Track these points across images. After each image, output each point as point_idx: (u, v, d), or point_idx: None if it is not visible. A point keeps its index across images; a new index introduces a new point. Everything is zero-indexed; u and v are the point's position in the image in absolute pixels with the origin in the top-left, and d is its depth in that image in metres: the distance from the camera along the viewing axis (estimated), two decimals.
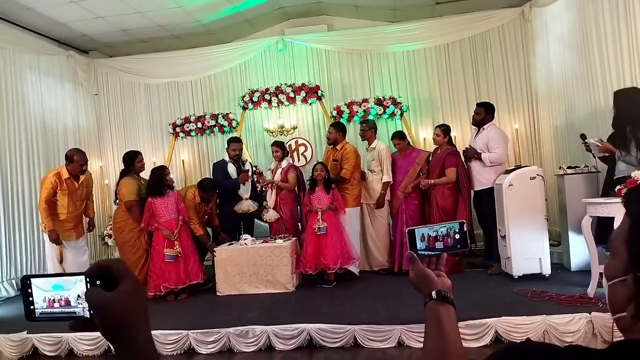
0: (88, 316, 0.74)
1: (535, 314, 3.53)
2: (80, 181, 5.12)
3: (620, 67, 4.52)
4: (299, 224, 5.75)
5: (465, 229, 1.11)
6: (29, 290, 0.76)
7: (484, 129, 5.19)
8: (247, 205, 5.63)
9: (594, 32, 4.95)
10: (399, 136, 5.60)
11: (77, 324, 0.75)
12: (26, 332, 4.04)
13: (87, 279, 0.74)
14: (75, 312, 0.75)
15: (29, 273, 6.16)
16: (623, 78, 4.45)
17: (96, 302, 0.69)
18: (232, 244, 5.25)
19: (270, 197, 5.60)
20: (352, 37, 7.40)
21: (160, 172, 5.16)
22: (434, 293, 0.99)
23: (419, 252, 1.07)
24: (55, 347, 3.96)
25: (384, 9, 7.20)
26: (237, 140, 5.99)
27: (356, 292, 4.72)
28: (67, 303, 0.75)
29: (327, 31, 7.51)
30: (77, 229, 5.15)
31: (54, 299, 0.76)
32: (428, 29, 7.22)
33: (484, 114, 5.20)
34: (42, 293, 0.76)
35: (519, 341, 0.77)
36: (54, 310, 0.76)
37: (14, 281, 5.92)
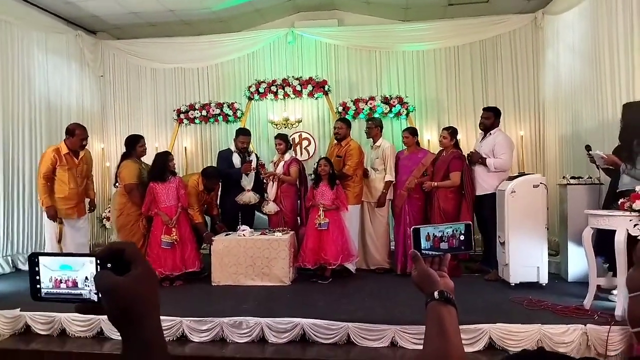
0: (95, 299, 0.72)
1: (531, 322, 3.52)
2: (80, 157, 5.09)
3: (631, 80, 4.49)
4: (299, 218, 5.74)
5: (471, 231, 1.10)
6: (36, 269, 0.74)
7: (490, 134, 5.17)
8: (248, 196, 5.62)
9: (606, 43, 4.91)
10: (409, 131, 5.57)
11: (83, 306, 0.73)
12: (19, 309, 4.03)
13: (98, 261, 0.71)
14: (81, 295, 0.73)
15: (24, 250, 6.16)
16: (633, 91, 4.42)
17: (107, 286, 0.67)
18: (230, 234, 5.23)
19: (271, 190, 5.58)
20: (362, 33, 7.37)
21: (164, 158, 5.14)
22: (436, 293, 0.98)
23: (423, 251, 1.06)
24: (47, 327, 3.95)
25: (395, 7, 7.15)
26: (245, 133, 5.95)
27: (352, 290, 4.71)
28: (74, 284, 0.73)
29: (337, 26, 7.47)
30: (78, 207, 5.09)
31: (60, 279, 0.73)
32: (439, 29, 7.19)
33: (493, 118, 5.19)
34: (49, 272, 0.73)
35: (527, 350, 0.75)
36: (60, 290, 0.73)
37: (9, 258, 5.92)
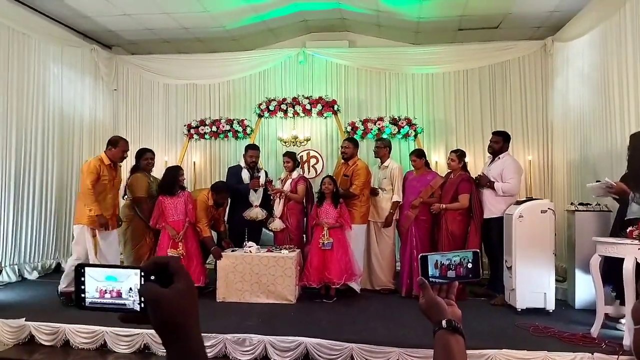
0: (138, 309, 0.75)
1: (537, 349, 3.47)
2: (118, 170, 5.06)
3: (639, 107, 4.51)
4: (304, 235, 5.75)
5: (479, 259, 1.10)
6: (82, 279, 0.77)
7: (499, 157, 5.17)
8: (256, 212, 5.63)
9: (615, 72, 4.95)
10: (416, 153, 5.59)
11: (126, 316, 0.76)
12: (24, 319, 4.04)
13: (142, 274, 0.75)
14: (125, 305, 0.76)
15: (31, 259, 6.19)
16: None
17: (153, 297, 0.70)
18: (236, 250, 5.24)
19: (278, 207, 5.60)
20: (372, 55, 7.47)
21: (175, 172, 5.19)
22: (444, 322, 0.98)
23: (431, 279, 1.06)
24: (51, 337, 3.94)
25: (406, 30, 7.26)
26: (254, 148, 6.03)
27: (357, 310, 4.68)
28: (119, 295, 0.76)
29: (348, 47, 7.58)
30: (112, 220, 4.97)
31: (105, 290, 0.77)
32: (449, 53, 7.28)
33: (502, 142, 5.20)
34: (95, 282, 0.77)
35: None
36: (104, 300, 0.77)
37: (16, 267, 5.95)
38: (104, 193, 4.81)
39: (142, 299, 0.75)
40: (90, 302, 0.77)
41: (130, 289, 0.76)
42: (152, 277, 0.74)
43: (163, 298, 0.70)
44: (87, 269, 0.77)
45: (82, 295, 0.77)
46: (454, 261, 1.08)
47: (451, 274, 1.08)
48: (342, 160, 5.87)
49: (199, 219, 5.17)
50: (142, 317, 0.74)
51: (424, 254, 1.07)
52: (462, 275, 1.09)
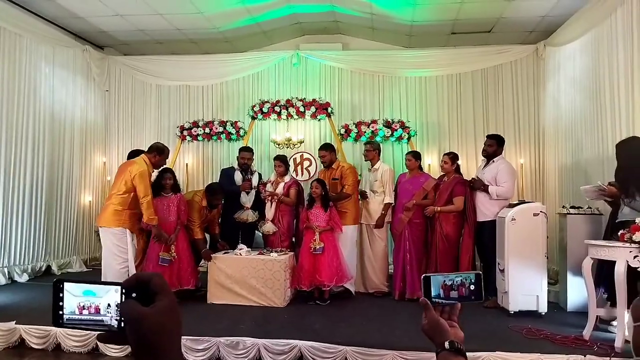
0: (116, 327, 0.72)
1: (530, 351, 3.49)
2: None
3: (631, 113, 4.55)
4: (294, 238, 5.74)
5: (481, 280, 1.09)
6: (60, 295, 0.74)
7: (493, 161, 5.19)
8: (247, 214, 5.62)
9: (606, 77, 5.00)
10: (413, 154, 5.63)
11: (105, 335, 0.73)
12: (14, 322, 3.99)
13: (123, 290, 0.72)
14: (103, 321, 0.73)
15: (22, 262, 6.12)
16: (633, 125, 4.48)
17: (133, 315, 0.67)
18: (228, 252, 5.21)
19: (270, 210, 5.59)
20: (366, 58, 7.49)
21: (160, 174, 5.12)
22: (447, 344, 0.99)
23: (433, 299, 1.06)
24: (42, 341, 3.90)
25: (399, 34, 7.29)
26: (247, 150, 6.04)
27: (350, 313, 4.68)
28: (97, 311, 0.73)
29: (341, 50, 7.60)
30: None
31: (83, 306, 0.73)
32: (442, 57, 7.32)
33: (496, 146, 5.22)
34: (74, 298, 0.74)
35: None
36: (82, 317, 0.74)
37: (6, 269, 5.87)
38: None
39: (121, 317, 0.72)
40: (67, 319, 0.74)
41: (109, 304, 0.72)
42: (134, 295, 0.71)
43: (144, 317, 0.67)
44: (66, 284, 0.74)
45: (60, 312, 0.74)
46: (457, 282, 1.08)
47: (454, 294, 1.07)
48: (323, 168, 5.81)
49: (192, 220, 5.14)
50: (121, 336, 0.71)
51: (427, 275, 1.07)
52: (465, 295, 1.08)
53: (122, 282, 0.73)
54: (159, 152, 4.92)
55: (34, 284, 5.92)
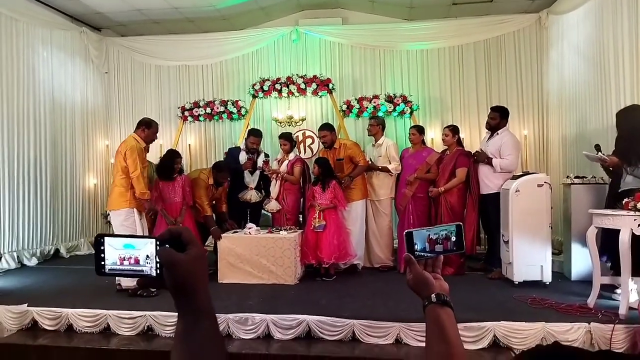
0: (154, 275, 0.83)
1: (535, 320, 3.54)
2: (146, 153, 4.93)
3: (635, 82, 4.50)
4: (301, 215, 5.76)
5: (462, 232, 1.12)
6: (102, 247, 0.84)
7: (497, 133, 5.15)
8: (250, 194, 5.64)
9: (611, 45, 4.92)
10: (417, 128, 5.62)
11: (144, 281, 0.85)
12: (27, 304, 4.06)
13: (157, 242, 0.82)
14: (142, 271, 0.83)
15: (30, 246, 6.20)
16: (638, 94, 4.43)
17: (170, 260, 0.77)
18: (237, 231, 5.25)
19: (274, 188, 5.61)
20: (366, 32, 7.39)
21: (171, 157, 5.12)
22: (433, 296, 1.01)
23: (417, 253, 1.07)
24: (54, 322, 3.97)
25: (400, 6, 7.17)
26: (257, 134, 5.90)
27: (356, 288, 4.73)
28: (137, 262, 0.83)
29: (341, 25, 7.49)
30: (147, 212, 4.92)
31: (124, 257, 0.83)
32: (443, 29, 7.21)
33: (499, 119, 5.16)
34: (115, 251, 0.84)
35: (548, 344, 0.78)
36: (123, 267, 0.84)
37: (15, 254, 5.94)
38: (145, 177, 4.71)
39: (158, 265, 0.82)
40: (110, 269, 0.84)
41: (147, 256, 0.83)
42: (167, 246, 0.80)
43: (179, 261, 0.77)
44: (106, 239, 0.84)
45: (102, 262, 0.84)
46: (441, 235, 1.10)
47: (439, 247, 1.10)
48: (325, 149, 5.75)
49: (199, 197, 5.16)
50: (158, 281, 0.81)
51: (408, 230, 1.09)
52: (448, 248, 1.10)
53: (157, 235, 0.83)
54: (146, 125, 4.82)
55: (43, 267, 6.01)
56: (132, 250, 0.83)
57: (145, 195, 4.64)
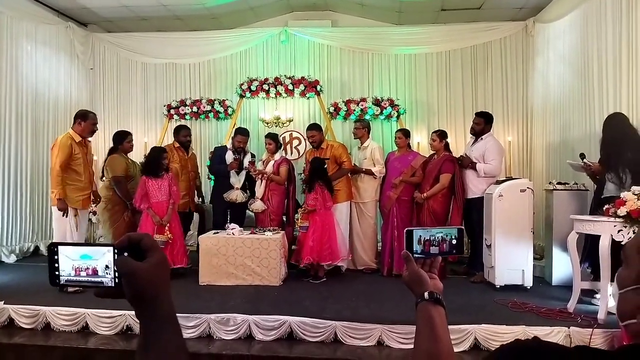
0: (113, 285, 0.78)
1: (515, 323, 3.57)
2: (89, 145, 4.89)
3: (618, 91, 4.58)
4: (284, 217, 5.75)
5: (463, 236, 1.14)
6: (55, 257, 0.80)
7: (482, 138, 5.20)
8: (235, 194, 5.60)
9: (595, 54, 5.00)
10: (403, 132, 5.64)
11: (101, 291, 0.79)
12: (3, 302, 3.97)
13: (115, 251, 0.78)
14: (102, 282, 0.79)
15: (7, 242, 6.07)
16: (620, 102, 4.51)
17: (128, 270, 0.74)
18: (219, 232, 5.21)
19: (259, 188, 5.58)
20: (355, 35, 7.41)
21: (158, 153, 5.07)
22: (426, 294, 1.01)
23: (415, 253, 1.09)
24: (31, 320, 3.89)
25: (389, 10, 7.21)
26: (244, 133, 5.88)
27: (339, 290, 4.72)
28: (95, 272, 0.79)
29: (330, 27, 7.51)
30: (89, 198, 4.82)
31: (80, 268, 0.79)
32: (431, 34, 7.27)
33: (483, 124, 5.22)
34: (70, 261, 0.79)
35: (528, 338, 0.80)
36: (80, 278, 0.80)
37: None
38: (82, 172, 4.68)
39: (117, 274, 0.77)
40: (66, 280, 0.80)
41: (107, 266, 0.78)
42: (125, 254, 0.76)
43: (138, 271, 0.74)
44: (60, 248, 0.79)
45: (56, 272, 0.80)
46: (438, 237, 1.11)
47: (434, 249, 1.11)
48: (312, 149, 5.76)
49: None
50: (116, 292, 0.78)
51: (409, 229, 1.10)
52: (445, 251, 1.11)
53: (115, 243, 0.78)
54: (82, 118, 4.71)
55: (22, 264, 5.90)
56: (89, 260, 0.78)
57: (54, 194, 4.52)
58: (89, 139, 4.92)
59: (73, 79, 7.43)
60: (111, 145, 5.54)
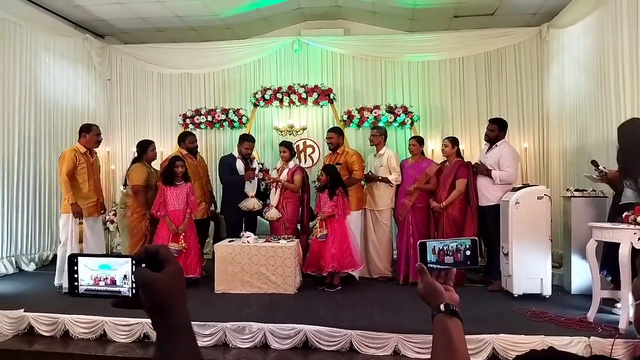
0: (130, 295, 0.80)
1: (534, 333, 3.52)
2: (94, 156, 5.20)
3: (635, 95, 4.51)
4: (299, 225, 5.75)
5: (477, 246, 1.12)
6: (75, 268, 0.82)
7: (496, 145, 5.16)
8: (252, 202, 5.62)
9: (611, 59, 4.95)
10: (417, 139, 5.63)
11: (119, 301, 0.81)
12: (23, 310, 4.04)
13: (133, 262, 0.80)
14: (120, 292, 0.81)
15: (27, 251, 6.18)
16: (638, 107, 4.45)
17: (146, 280, 0.76)
18: (234, 240, 5.23)
19: (274, 196, 5.60)
20: (368, 43, 7.43)
21: (171, 162, 5.17)
22: (442, 306, 1.00)
23: (429, 264, 1.08)
24: (51, 328, 3.95)
25: (401, 18, 7.22)
26: (251, 140, 5.94)
27: (354, 298, 4.70)
28: (113, 282, 0.81)
29: (343, 35, 7.54)
30: (97, 205, 5.14)
31: (99, 278, 0.81)
32: (444, 41, 7.25)
33: (498, 131, 5.18)
34: (89, 271, 0.82)
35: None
36: (99, 287, 0.81)
37: (13, 259, 5.93)
38: (86, 181, 4.97)
39: (134, 285, 0.79)
40: (85, 290, 0.82)
41: (125, 276, 0.80)
42: (143, 265, 0.78)
43: (156, 281, 0.76)
44: (80, 259, 0.82)
45: (75, 283, 0.82)
46: (452, 247, 1.10)
47: (449, 259, 1.10)
48: (329, 151, 5.85)
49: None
50: (134, 302, 0.80)
51: (422, 240, 1.09)
52: (460, 261, 1.11)
53: (133, 254, 0.81)
54: (85, 130, 5.07)
55: (41, 272, 5.98)
56: (108, 270, 0.81)
57: (67, 200, 4.84)
58: (96, 149, 5.23)
59: (90, 90, 7.57)
60: (130, 153, 5.62)
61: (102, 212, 5.32)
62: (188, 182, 5.19)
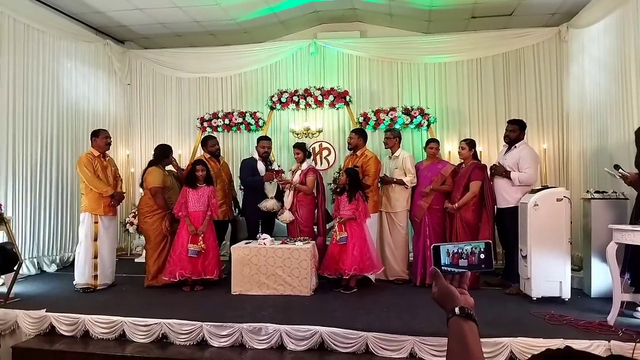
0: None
1: (553, 337, 3.46)
2: (107, 158, 5.38)
3: None
4: (315, 227, 5.75)
5: (491, 249, 1.12)
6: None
7: (515, 147, 5.10)
8: (272, 203, 5.65)
9: (632, 58, 4.86)
10: (434, 141, 5.62)
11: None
12: (45, 310, 4.13)
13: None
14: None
15: (50, 253, 6.32)
16: None
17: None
18: (250, 242, 5.26)
19: (287, 198, 5.61)
20: (384, 45, 7.42)
21: (193, 166, 5.33)
22: (457, 309, 1.01)
23: (443, 268, 1.09)
24: (71, 328, 4.03)
25: (418, 20, 7.20)
26: (267, 139, 6.08)
27: (370, 300, 4.69)
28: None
29: (359, 38, 7.55)
30: (113, 205, 5.33)
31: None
32: (461, 42, 7.21)
33: (518, 131, 5.12)
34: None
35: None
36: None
37: (35, 260, 6.06)
38: (103, 180, 5.18)
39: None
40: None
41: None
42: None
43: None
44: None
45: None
46: (466, 250, 1.10)
47: (463, 262, 1.10)
48: (350, 152, 5.88)
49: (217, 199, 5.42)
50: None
51: (436, 244, 1.10)
52: (475, 264, 1.11)
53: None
54: (95, 135, 5.32)
55: (63, 274, 6.10)
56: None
57: (108, 192, 5.15)
58: (107, 152, 5.44)
59: (111, 94, 7.72)
60: (149, 156, 5.71)
61: (119, 200, 5.49)
62: (210, 185, 5.27)
